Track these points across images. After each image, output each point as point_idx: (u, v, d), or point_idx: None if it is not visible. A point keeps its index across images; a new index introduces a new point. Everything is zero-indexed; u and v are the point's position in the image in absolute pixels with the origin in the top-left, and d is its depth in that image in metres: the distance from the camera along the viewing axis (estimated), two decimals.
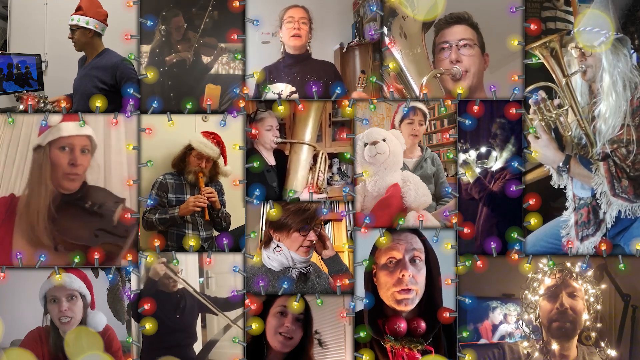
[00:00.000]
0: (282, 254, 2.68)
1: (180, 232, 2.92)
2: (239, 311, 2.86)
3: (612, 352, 2.70)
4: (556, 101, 2.84)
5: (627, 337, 2.83)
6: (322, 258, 2.74)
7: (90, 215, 2.46)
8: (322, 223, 2.78)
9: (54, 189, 2.35)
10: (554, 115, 2.83)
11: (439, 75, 2.91)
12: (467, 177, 2.90)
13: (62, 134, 2.26)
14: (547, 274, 2.74)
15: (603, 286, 2.76)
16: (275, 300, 2.73)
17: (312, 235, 2.67)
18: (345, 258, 2.85)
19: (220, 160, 2.95)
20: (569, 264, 2.75)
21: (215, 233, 2.99)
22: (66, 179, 2.26)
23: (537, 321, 2.71)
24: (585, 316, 2.65)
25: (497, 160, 2.91)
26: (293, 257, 2.69)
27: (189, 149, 2.92)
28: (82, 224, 2.47)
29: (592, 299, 2.67)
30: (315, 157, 2.95)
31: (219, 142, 2.93)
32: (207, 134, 2.92)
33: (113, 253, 2.56)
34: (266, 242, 2.73)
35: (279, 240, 2.68)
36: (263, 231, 2.82)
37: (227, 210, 2.97)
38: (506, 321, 2.89)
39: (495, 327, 2.90)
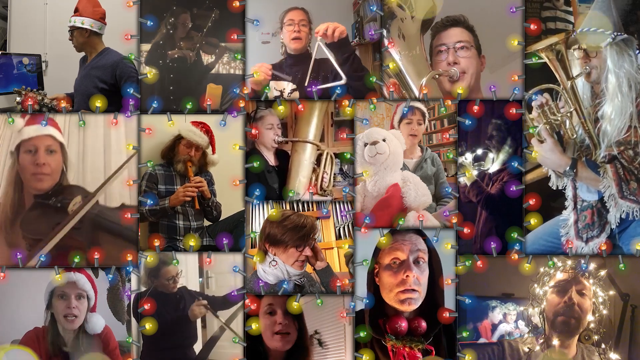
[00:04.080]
0: (278, 268, 2.69)
1: (172, 223, 2.92)
2: (235, 308, 2.86)
3: (614, 357, 2.70)
4: (560, 104, 2.84)
5: (626, 336, 2.83)
6: (314, 269, 2.74)
7: (53, 211, 2.49)
8: (317, 236, 2.77)
9: (28, 191, 2.44)
10: (559, 119, 2.83)
11: (437, 76, 2.91)
12: (465, 179, 2.90)
13: (23, 137, 2.34)
14: (559, 268, 2.75)
15: (611, 292, 2.77)
16: (262, 301, 2.74)
17: (307, 251, 2.67)
18: (335, 259, 2.87)
19: (209, 150, 2.95)
20: (583, 262, 2.77)
21: (207, 223, 2.99)
22: (34, 179, 2.33)
23: (541, 315, 2.71)
24: (590, 317, 2.66)
25: (493, 162, 2.91)
26: (289, 271, 2.69)
27: (178, 138, 2.93)
28: (44, 220, 2.46)
29: (600, 300, 2.69)
30: (319, 157, 2.95)
31: (207, 131, 2.93)
32: (196, 123, 2.92)
33: (70, 246, 2.51)
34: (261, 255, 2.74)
35: (275, 255, 2.68)
36: (258, 244, 2.81)
37: (217, 200, 2.97)
38: (505, 320, 2.89)
39: (494, 327, 2.90)
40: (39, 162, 2.26)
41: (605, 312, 2.70)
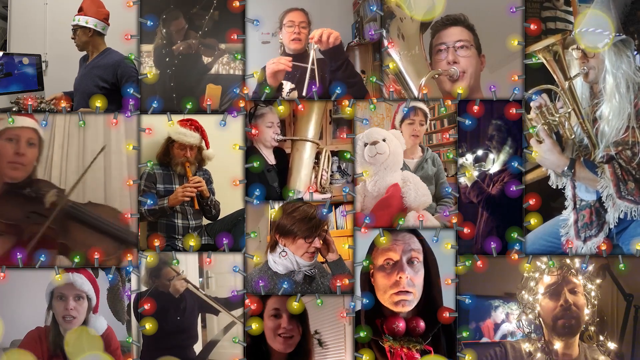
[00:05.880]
0: (287, 259, 2.67)
1: (170, 222, 2.92)
2: (239, 311, 2.86)
3: (612, 345, 2.70)
4: (558, 104, 2.84)
5: (629, 337, 2.83)
6: (326, 261, 2.74)
7: (26, 200, 2.61)
8: (327, 227, 2.77)
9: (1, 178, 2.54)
10: (557, 119, 2.83)
11: (437, 75, 2.91)
12: (465, 180, 2.90)
13: (8, 126, 2.47)
14: (545, 272, 2.74)
15: (598, 281, 2.76)
16: (267, 302, 2.73)
17: (317, 242, 2.66)
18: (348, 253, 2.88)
19: (203, 145, 2.94)
20: (568, 261, 2.76)
21: (205, 221, 2.99)
22: (10, 167, 2.44)
23: (537, 320, 2.70)
24: (586, 311, 2.66)
25: (494, 163, 2.91)
26: (298, 262, 2.68)
27: (169, 141, 2.92)
28: (17, 206, 2.59)
29: (592, 294, 2.69)
30: (318, 155, 2.95)
31: (197, 128, 2.92)
32: (185, 122, 2.91)
33: (46, 235, 2.64)
34: (272, 246, 2.72)
35: (285, 245, 2.66)
36: (269, 235, 2.79)
37: (215, 198, 2.97)
38: (508, 320, 2.89)
39: (497, 326, 2.90)
40: (19, 152, 2.38)
41: (596, 302, 2.69)
